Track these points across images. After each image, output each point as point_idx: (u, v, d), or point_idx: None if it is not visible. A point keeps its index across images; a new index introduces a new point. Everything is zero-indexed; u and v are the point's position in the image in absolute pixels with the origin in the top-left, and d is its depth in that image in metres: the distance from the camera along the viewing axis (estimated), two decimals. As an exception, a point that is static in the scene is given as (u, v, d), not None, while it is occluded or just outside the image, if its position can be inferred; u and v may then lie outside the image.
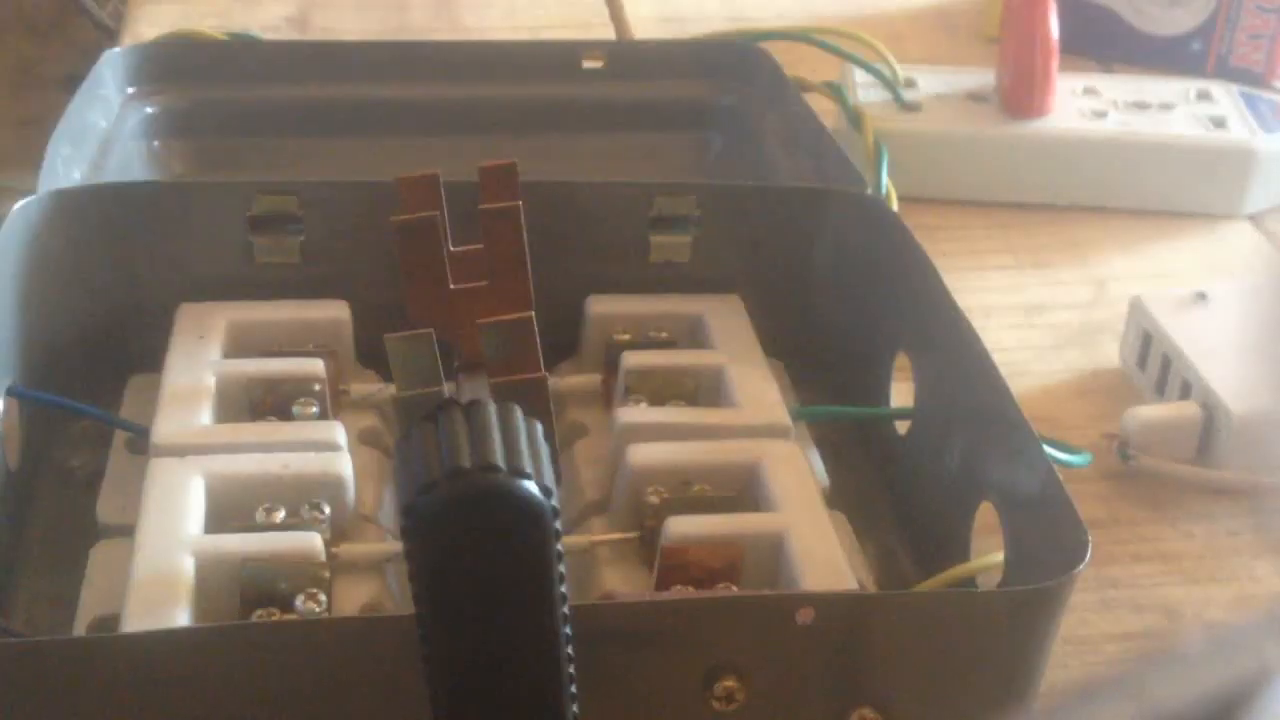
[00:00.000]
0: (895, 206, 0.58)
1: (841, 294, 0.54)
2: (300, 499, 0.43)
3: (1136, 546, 0.51)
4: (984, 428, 0.45)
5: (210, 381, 0.47)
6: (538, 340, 0.44)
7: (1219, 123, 0.70)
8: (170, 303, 0.51)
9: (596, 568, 0.44)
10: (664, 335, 0.52)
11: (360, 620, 0.40)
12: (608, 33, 0.74)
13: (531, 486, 0.31)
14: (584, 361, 0.53)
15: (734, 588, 0.42)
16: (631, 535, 0.44)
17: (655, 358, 0.50)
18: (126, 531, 0.42)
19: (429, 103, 0.65)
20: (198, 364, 0.48)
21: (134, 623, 0.38)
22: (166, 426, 0.45)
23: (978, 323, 0.46)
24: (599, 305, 0.53)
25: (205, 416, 0.46)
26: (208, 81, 0.64)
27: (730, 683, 0.37)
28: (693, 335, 0.52)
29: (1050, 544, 0.39)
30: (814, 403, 0.53)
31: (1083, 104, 0.71)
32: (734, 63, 0.66)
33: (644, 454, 0.45)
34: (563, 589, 0.32)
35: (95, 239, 0.51)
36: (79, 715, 0.35)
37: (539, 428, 0.33)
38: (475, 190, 0.48)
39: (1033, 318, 0.63)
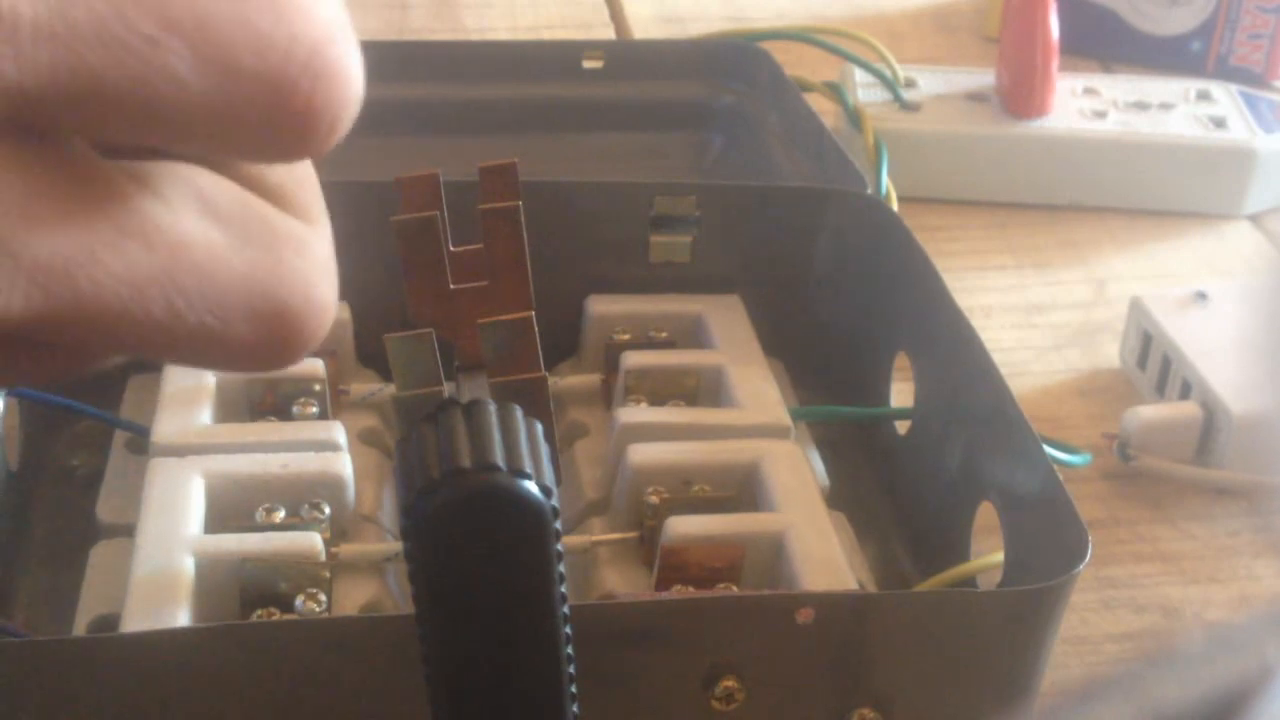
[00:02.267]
0: (895, 206, 0.58)
1: (841, 294, 0.54)
2: (300, 499, 0.43)
3: (1136, 546, 0.51)
4: (984, 428, 0.45)
5: (210, 381, 0.47)
6: (538, 340, 0.44)
7: (1219, 123, 0.70)
8: (170, 303, 0.51)
9: (596, 568, 0.44)
10: (664, 335, 0.52)
11: (360, 620, 0.40)
12: (608, 33, 0.74)
13: (531, 486, 0.31)
14: (584, 361, 0.53)
15: (734, 588, 0.42)
16: (631, 535, 0.44)
17: (655, 358, 0.50)
18: (126, 531, 0.42)
19: (429, 103, 0.65)
20: (198, 364, 0.48)
21: (134, 623, 0.38)
22: (166, 426, 0.45)
23: (978, 323, 0.46)
24: (599, 305, 0.53)
25: (205, 416, 0.46)
26: (208, 81, 0.64)
27: (730, 683, 0.37)
28: (692, 335, 0.52)
29: (1050, 544, 0.39)
30: (814, 403, 0.53)
31: (1083, 104, 0.71)
32: (734, 63, 0.66)
33: (644, 454, 0.45)
34: (563, 589, 0.32)
35: (95, 239, 0.50)
36: (79, 715, 0.35)
37: (539, 428, 0.33)
38: (475, 190, 0.47)
39: (1033, 318, 0.63)
